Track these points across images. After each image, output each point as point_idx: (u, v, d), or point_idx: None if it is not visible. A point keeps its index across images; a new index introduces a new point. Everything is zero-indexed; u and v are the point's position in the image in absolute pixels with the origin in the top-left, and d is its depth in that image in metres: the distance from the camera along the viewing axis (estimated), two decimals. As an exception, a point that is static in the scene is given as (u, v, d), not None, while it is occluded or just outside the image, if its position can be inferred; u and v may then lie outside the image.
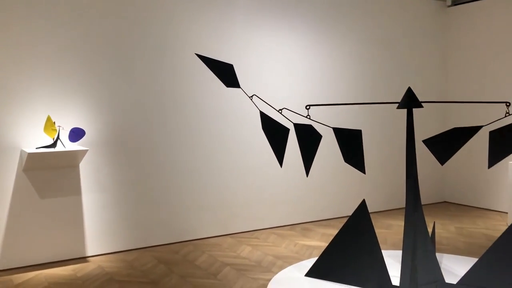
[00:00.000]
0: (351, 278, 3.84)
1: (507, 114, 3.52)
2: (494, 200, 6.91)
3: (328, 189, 6.54)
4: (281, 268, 4.47)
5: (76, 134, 4.77)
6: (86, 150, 4.71)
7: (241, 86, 3.70)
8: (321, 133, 3.79)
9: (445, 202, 7.64)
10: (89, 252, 4.98)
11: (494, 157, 3.50)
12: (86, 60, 4.94)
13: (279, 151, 3.71)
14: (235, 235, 5.75)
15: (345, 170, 5.88)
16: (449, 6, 7.49)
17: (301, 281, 4.04)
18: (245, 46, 5.86)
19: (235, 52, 5.76)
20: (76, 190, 4.90)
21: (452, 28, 7.47)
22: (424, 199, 7.39)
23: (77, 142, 4.85)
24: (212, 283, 4.12)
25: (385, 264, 3.71)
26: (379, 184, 6.97)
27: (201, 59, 3.60)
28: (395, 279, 3.70)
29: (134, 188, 5.24)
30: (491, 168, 6.67)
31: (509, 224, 5.05)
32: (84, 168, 4.95)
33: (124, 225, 5.19)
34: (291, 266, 4.48)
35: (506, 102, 3.54)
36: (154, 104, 5.33)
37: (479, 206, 7.13)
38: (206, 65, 3.63)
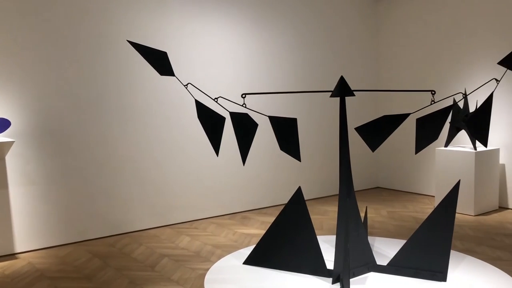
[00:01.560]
0: (287, 264, 3.92)
1: (432, 102, 3.70)
2: (423, 184, 7.28)
3: (266, 178, 6.61)
4: (220, 257, 4.47)
5: (1, 125, 4.49)
6: (12, 142, 4.46)
7: (175, 74, 3.63)
8: (257, 121, 3.81)
9: (378, 187, 7.95)
10: (18, 249, 4.74)
11: (421, 143, 3.67)
12: (9, 48, 4.65)
13: (215, 140, 3.70)
14: (174, 225, 5.69)
15: (282, 158, 5.97)
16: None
17: (239, 269, 4.06)
18: (181, 35, 5.76)
19: (170, 40, 5.65)
20: (2, 184, 4.63)
21: (385, 19, 7.73)
22: (359, 185, 7.70)
23: (1, 134, 4.58)
24: (149, 275, 4.05)
25: (320, 249, 3.80)
26: (316, 171, 7.13)
27: (133, 46, 3.49)
28: (330, 263, 3.81)
29: (66, 181, 5.03)
30: (420, 155, 7.09)
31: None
32: (11, 160, 4.69)
33: (56, 220, 4.97)
34: (230, 254, 4.50)
35: (431, 91, 3.72)
36: (86, 93, 5.12)
37: (409, 191, 7.49)
38: (139, 52, 3.52)
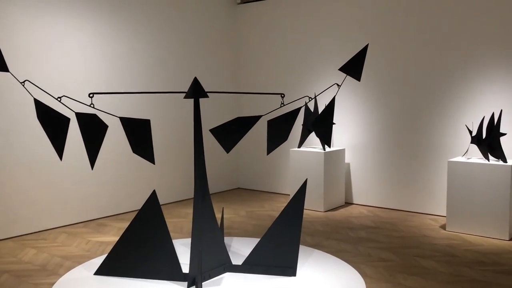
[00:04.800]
0: (142, 271, 3.77)
1: (282, 105, 3.86)
2: (279, 184, 7.63)
3: (122, 182, 6.34)
4: (69, 269, 4.14)
5: None
6: None
7: (11, 70, 3.26)
8: (108, 123, 3.60)
9: (239, 188, 8.14)
10: None
11: (272, 144, 3.80)
12: None
13: (58, 143, 3.41)
14: (18, 238, 5.15)
15: (139, 161, 5.77)
16: (239, 4, 7.93)
17: (90, 280, 3.81)
18: (22, 26, 5.24)
19: (6, 32, 5.11)
20: None
21: (243, 24, 7.95)
22: (220, 186, 7.79)
23: None
24: (-18, 296, 3.59)
25: (175, 253, 3.73)
26: (176, 173, 7.03)
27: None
28: (186, 266, 3.76)
29: None
30: (277, 155, 7.41)
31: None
32: None
33: None
34: (80, 265, 4.20)
35: (281, 94, 3.88)
36: None
37: (267, 190, 7.79)
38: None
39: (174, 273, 3.71)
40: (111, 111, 4.23)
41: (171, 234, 3.86)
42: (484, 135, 5.22)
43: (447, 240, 5.00)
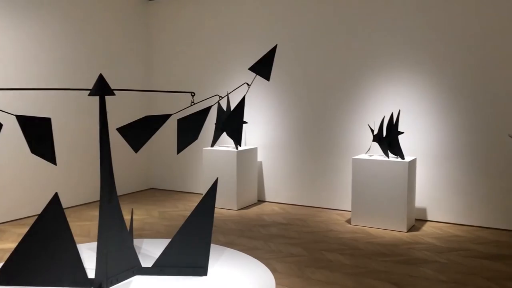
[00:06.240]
0: (43, 279, 3.55)
1: (192, 103, 3.83)
2: (193, 183, 7.57)
3: (23, 185, 5.94)
4: (-41, 281, 3.79)
5: None
6: None
7: None
8: (2, 121, 3.35)
9: (152, 188, 7.96)
10: None
11: (182, 143, 3.75)
12: None
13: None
14: None
15: (41, 162, 5.45)
16: (149, 0, 7.75)
17: (-17, 292, 3.51)
18: None
19: None
20: None
21: (154, 22, 7.78)
22: (132, 187, 7.58)
23: None
24: None
25: (79, 258, 3.55)
26: (84, 175, 6.72)
27: None
28: (92, 271, 3.60)
29: None
30: (190, 155, 7.34)
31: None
32: None
33: None
34: (-27, 276, 3.85)
35: (191, 92, 3.85)
36: None
37: (180, 190, 7.70)
38: None
39: (78, 279, 3.53)
40: (7, 109, 3.94)
41: (78, 238, 3.69)
42: (384, 134, 5.56)
43: (352, 233, 5.26)
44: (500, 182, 5.41)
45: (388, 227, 5.39)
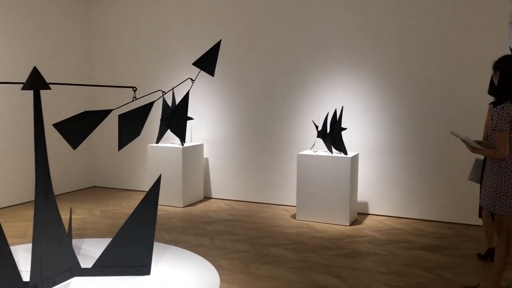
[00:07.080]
0: (-27, 283, 3.35)
1: (134, 99, 3.72)
2: (138, 181, 7.40)
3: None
4: None
5: None
6: None
7: None
8: None
9: (94, 186, 7.71)
10: None
11: (124, 139, 3.64)
12: None
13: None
14: None
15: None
16: (91, -6, 7.51)
17: None
18: None
19: None
20: None
21: (95, 16, 7.52)
22: (73, 185, 7.32)
23: None
24: None
25: (13, 260, 3.36)
26: (19, 173, 6.40)
27: None
28: (27, 274, 3.43)
29: None
30: (134, 151, 7.16)
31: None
32: None
33: None
34: None
35: (133, 87, 3.75)
36: None
37: (124, 188, 7.50)
38: None
39: (12, 282, 3.35)
40: None
41: (14, 240, 3.51)
42: (328, 130, 5.66)
43: (297, 228, 5.33)
44: (436, 176, 5.66)
45: (332, 221, 5.50)
